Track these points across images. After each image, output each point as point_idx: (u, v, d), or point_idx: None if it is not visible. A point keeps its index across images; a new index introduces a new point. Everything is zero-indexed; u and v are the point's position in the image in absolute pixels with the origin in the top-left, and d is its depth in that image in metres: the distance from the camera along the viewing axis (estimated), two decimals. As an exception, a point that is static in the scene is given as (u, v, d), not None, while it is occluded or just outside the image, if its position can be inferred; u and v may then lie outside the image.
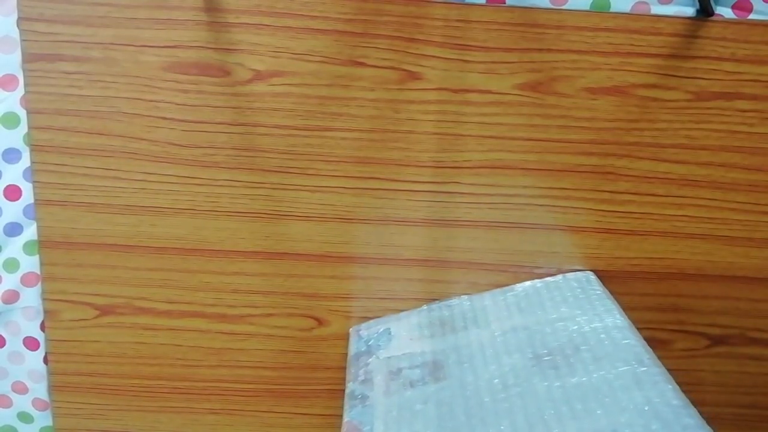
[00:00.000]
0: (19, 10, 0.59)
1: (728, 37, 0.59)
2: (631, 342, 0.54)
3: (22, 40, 0.59)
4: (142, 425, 0.72)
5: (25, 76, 0.60)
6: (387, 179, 0.64)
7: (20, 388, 0.71)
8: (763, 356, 0.69)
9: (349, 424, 0.54)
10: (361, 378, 0.60)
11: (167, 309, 0.68)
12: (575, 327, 0.57)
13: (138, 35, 0.59)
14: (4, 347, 0.69)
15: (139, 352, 0.69)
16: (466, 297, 0.66)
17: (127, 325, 0.68)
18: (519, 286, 0.66)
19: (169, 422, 0.72)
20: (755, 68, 0.60)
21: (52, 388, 0.70)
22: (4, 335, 0.69)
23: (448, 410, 0.52)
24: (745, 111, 0.61)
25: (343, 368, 0.65)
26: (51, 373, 0.70)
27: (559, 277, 0.65)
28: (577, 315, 0.58)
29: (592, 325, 0.57)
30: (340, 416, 0.56)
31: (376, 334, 0.65)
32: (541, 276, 0.66)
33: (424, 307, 0.67)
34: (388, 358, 0.61)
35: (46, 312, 0.68)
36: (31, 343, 0.69)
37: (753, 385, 0.70)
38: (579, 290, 0.62)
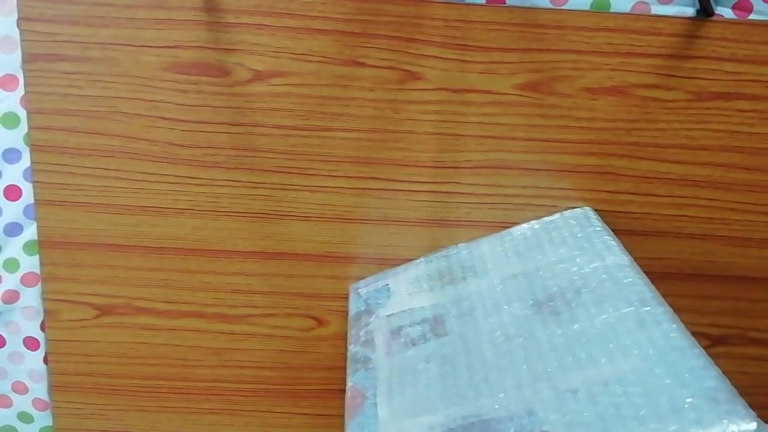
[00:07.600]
0: (19, 10, 0.59)
1: (728, 37, 0.59)
2: (634, 281, 0.52)
3: (22, 40, 0.59)
4: (142, 425, 0.72)
5: (25, 76, 0.60)
6: (387, 179, 0.64)
7: (20, 388, 0.71)
8: (763, 356, 0.69)
9: (353, 389, 0.53)
10: (363, 339, 0.59)
11: (167, 309, 0.68)
12: (575, 269, 0.55)
13: (138, 35, 0.59)
14: (4, 347, 0.69)
15: (139, 352, 0.69)
16: (463, 245, 0.65)
17: (127, 325, 0.68)
18: (516, 230, 0.64)
19: (169, 422, 0.72)
20: (755, 68, 0.60)
21: (52, 388, 0.70)
22: (4, 335, 0.69)
23: (451, 368, 0.51)
24: (745, 111, 0.61)
25: (343, 368, 0.65)
26: (51, 373, 0.70)
27: (557, 216, 0.63)
28: (577, 256, 0.56)
29: (592, 265, 0.55)
30: (341, 416, 0.56)
31: (375, 291, 0.64)
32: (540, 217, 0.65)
33: (422, 259, 0.65)
34: (389, 316, 0.60)
35: (46, 312, 0.68)
36: (31, 343, 0.69)
37: (753, 385, 0.70)
38: (578, 228, 0.60)
